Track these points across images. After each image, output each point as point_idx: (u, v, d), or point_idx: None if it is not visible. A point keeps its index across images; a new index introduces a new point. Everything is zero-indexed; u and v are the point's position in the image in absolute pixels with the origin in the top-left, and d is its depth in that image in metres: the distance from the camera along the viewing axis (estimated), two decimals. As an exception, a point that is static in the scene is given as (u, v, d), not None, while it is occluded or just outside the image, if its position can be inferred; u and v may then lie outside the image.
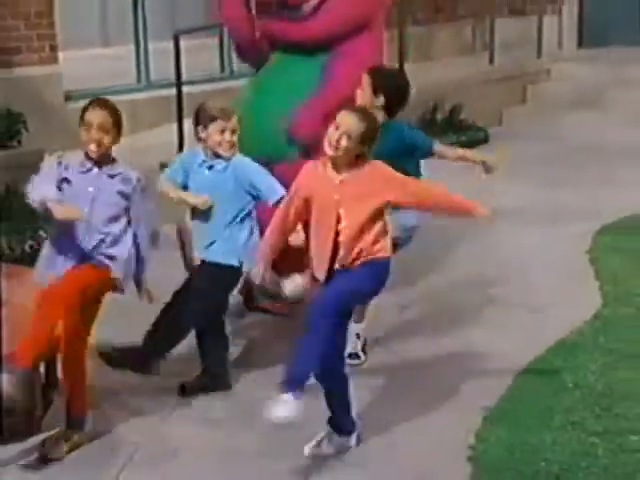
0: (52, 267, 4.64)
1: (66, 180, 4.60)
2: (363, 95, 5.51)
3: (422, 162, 5.67)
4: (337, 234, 4.47)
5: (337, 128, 4.40)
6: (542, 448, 4.66)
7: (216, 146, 5.09)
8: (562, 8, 12.41)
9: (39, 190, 4.49)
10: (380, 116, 5.27)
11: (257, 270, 4.77)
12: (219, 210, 5.10)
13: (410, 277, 6.55)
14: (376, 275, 4.56)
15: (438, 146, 5.73)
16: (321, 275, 4.54)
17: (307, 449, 4.62)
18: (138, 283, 4.87)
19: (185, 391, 5.21)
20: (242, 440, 4.80)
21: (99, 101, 4.73)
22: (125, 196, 4.64)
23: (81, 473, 4.59)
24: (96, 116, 4.58)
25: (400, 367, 5.54)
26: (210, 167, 5.13)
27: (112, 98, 8.89)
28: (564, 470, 4.50)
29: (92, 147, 4.56)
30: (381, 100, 5.50)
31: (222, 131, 5.06)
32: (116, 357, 5.03)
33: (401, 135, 5.50)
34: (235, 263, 5.13)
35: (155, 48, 9.83)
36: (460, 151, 6.12)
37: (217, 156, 5.12)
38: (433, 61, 11.51)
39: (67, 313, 4.40)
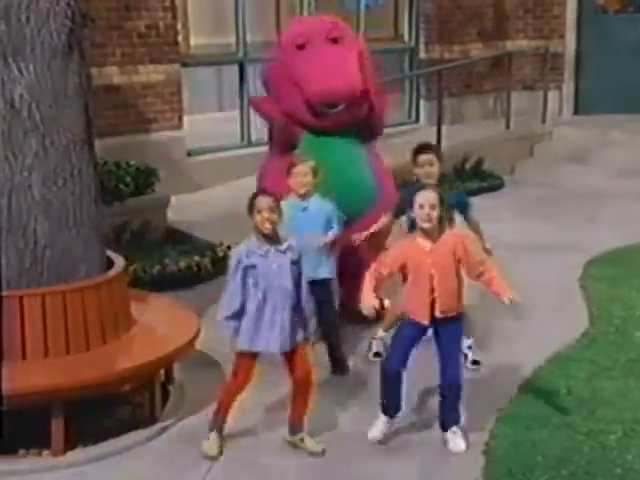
0: (255, 341, 4.32)
1: (252, 266, 4.21)
2: (434, 169, 5.12)
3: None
4: (432, 290, 4.30)
5: (422, 207, 4.20)
6: (540, 444, 4.47)
7: None
8: (562, 85, 12.09)
9: (227, 326, 4.32)
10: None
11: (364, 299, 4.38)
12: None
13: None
14: (463, 323, 4.53)
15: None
16: (425, 320, 4.34)
17: (453, 447, 4.43)
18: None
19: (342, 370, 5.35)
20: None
21: (260, 192, 4.33)
22: (295, 262, 4.31)
23: (172, 470, 4.27)
24: (264, 201, 4.22)
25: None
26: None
27: (221, 154, 9.09)
28: (557, 462, 4.30)
29: (267, 225, 4.19)
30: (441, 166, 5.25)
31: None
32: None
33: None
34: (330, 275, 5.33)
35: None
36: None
37: None
38: (464, 124, 11.27)
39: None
